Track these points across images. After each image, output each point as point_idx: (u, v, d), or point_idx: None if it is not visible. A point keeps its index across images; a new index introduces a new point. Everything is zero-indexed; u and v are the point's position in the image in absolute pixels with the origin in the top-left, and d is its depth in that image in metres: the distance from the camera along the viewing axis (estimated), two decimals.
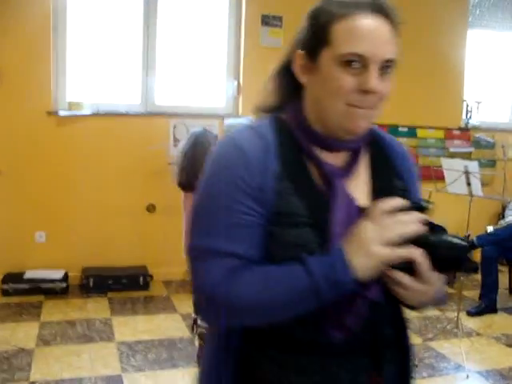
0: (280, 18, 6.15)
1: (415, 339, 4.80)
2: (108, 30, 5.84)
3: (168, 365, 4.15)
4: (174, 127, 5.79)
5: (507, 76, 7.63)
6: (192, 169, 3.90)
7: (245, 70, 6.18)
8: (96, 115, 5.70)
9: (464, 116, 7.24)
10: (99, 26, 5.81)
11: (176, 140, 5.70)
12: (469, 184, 4.53)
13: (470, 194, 4.55)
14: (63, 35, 5.66)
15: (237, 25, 6.18)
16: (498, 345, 4.78)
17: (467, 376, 4.14)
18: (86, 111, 5.64)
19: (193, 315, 4.35)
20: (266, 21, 6.12)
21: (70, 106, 5.59)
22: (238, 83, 6.20)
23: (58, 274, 5.55)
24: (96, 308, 5.24)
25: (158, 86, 6.02)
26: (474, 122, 7.25)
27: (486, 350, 4.66)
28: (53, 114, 5.58)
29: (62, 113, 5.57)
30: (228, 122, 6.03)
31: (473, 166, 4.56)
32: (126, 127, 5.82)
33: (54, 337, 4.53)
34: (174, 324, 4.95)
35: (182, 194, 4.11)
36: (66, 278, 5.57)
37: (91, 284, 5.57)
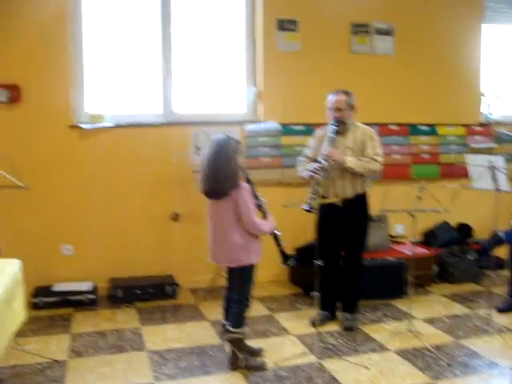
0: (295, 22, 6.16)
1: (446, 338, 4.77)
2: (125, 41, 5.89)
3: (200, 372, 4.15)
4: (195, 135, 5.81)
5: None
6: (216, 176, 3.91)
7: (263, 76, 6.19)
8: (118, 127, 5.75)
9: (484, 111, 7.19)
10: (116, 38, 5.86)
11: (197, 148, 5.72)
12: (495, 179, 4.49)
13: (497, 189, 4.50)
14: (80, 48, 5.72)
15: (253, 30, 6.20)
16: None
17: (502, 373, 4.10)
18: (108, 123, 5.69)
19: (222, 321, 4.36)
20: (282, 25, 6.13)
21: (92, 118, 5.64)
22: (257, 89, 6.22)
23: (86, 286, 5.59)
24: (125, 318, 5.26)
25: (177, 94, 6.05)
26: (494, 116, 7.20)
27: None
28: (75, 127, 5.63)
29: (84, 126, 5.61)
30: (250, 127, 6.07)
31: (498, 160, 4.52)
32: (148, 137, 5.86)
33: (86, 348, 4.55)
34: (203, 331, 4.95)
35: (207, 201, 4.12)
36: (94, 289, 5.60)
37: (119, 295, 5.60)
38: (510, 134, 7.21)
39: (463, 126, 7.01)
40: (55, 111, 5.58)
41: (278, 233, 4.28)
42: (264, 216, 4.18)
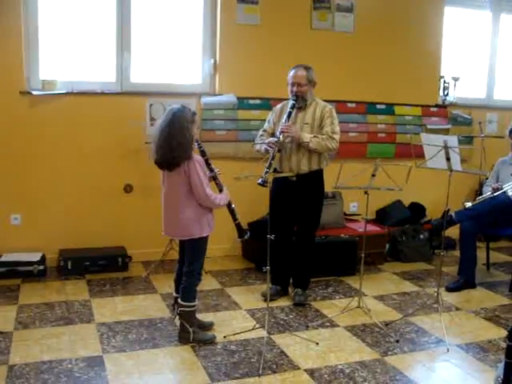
0: None
1: (395, 315, 4.82)
2: (81, 7, 5.71)
3: (149, 345, 4.10)
4: (151, 106, 5.71)
5: (483, 53, 7.65)
6: (169, 145, 3.83)
7: (221, 48, 6.10)
8: (70, 94, 5.59)
9: (441, 93, 7.25)
10: (72, 3, 5.68)
11: (152, 119, 5.62)
12: (448, 159, 4.52)
13: (450, 169, 4.54)
14: (35, 12, 5.51)
15: (213, 2, 6.08)
16: (477, 319, 4.81)
17: (448, 350, 4.16)
18: (61, 90, 5.53)
19: (174, 294, 4.32)
20: None
21: (44, 84, 5.47)
22: (215, 61, 6.13)
23: (35, 257, 5.47)
24: (74, 290, 5.17)
25: (133, 64, 5.92)
26: (451, 98, 7.26)
27: (466, 324, 4.69)
28: (26, 93, 5.46)
29: (35, 92, 5.45)
30: (206, 100, 5.99)
31: (452, 140, 4.54)
32: (102, 106, 5.72)
33: (33, 320, 4.46)
34: (153, 304, 4.90)
35: (160, 172, 4.06)
36: (43, 260, 5.49)
37: (69, 266, 5.50)
38: (465, 115, 7.29)
39: (420, 106, 7.05)
40: (6, 77, 5.40)
41: (233, 206, 4.25)
42: (219, 189, 4.14)
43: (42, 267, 5.42)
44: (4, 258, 5.42)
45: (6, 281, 5.26)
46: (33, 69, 5.56)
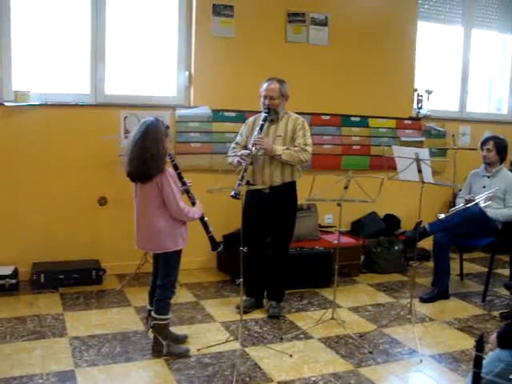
0: (231, 8, 6.10)
1: (369, 326, 4.84)
2: (55, 18, 5.69)
3: (122, 358, 4.07)
4: (125, 118, 5.70)
5: (455, 67, 7.75)
6: (141, 157, 3.83)
7: (196, 61, 6.12)
8: (44, 106, 5.55)
9: (415, 106, 7.32)
10: (47, 14, 5.66)
11: (127, 131, 5.59)
12: (420, 171, 4.57)
13: (422, 181, 4.58)
14: (7, 23, 5.48)
15: (188, 14, 6.10)
16: (451, 329, 4.85)
17: (421, 360, 4.18)
18: (34, 101, 5.49)
19: (148, 307, 4.29)
20: (217, 10, 6.06)
21: (16, 95, 5.42)
22: (190, 74, 6.13)
23: (7, 270, 5.39)
24: (47, 304, 5.12)
25: (108, 76, 5.90)
26: (424, 111, 7.34)
27: (439, 335, 4.72)
28: None
29: (8, 103, 5.41)
30: (181, 112, 5.99)
31: (423, 152, 4.59)
32: (76, 118, 5.69)
33: (4, 334, 4.39)
34: (127, 317, 4.86)
35: (132, 185, 4.05)
36: (15, 274, 5.41)
37: (42, 279, 5.44)
38: (438, 128, 7.37)
39: (394, 119, 7.12)
40: None
41: (206, 219, 4.25)
42: (192, 202, 4.14)
43: (14, 281, 5.34)
44: None
45: None
46: (5, 80, 5.52)
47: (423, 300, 5.49)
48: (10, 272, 5.38)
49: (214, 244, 4.36)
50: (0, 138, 5.47)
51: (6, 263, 5.48)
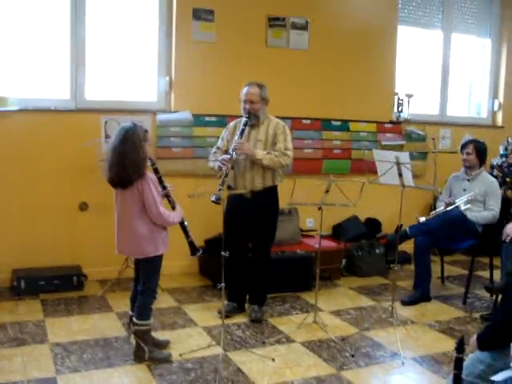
0: (211, 12, 6.11)
1: (351, 329, 4.85)
2: (35, 22, 5.65)
3: (104, 364, 4.05)
4: (106, 123, 5.67)
5: (435, 70, 7.82)
6: (121, 163, 3.82)
7: (177, 66, 6.11)
8: (24, 111, 5.52)
9: (395, 109, 7.37)
10: (25, 18, 5.62)
11: (107, 136, 5.56)
12: (400, 175, 4.60)
13: (402, 185, 4.62)
14: None
15: (168, 19, 6.10)
16: (432, 331, 4.88)
17: (403, 363, 4.21)
18: (13, 107, 5.46)
19: (129, 313, 4.28)
20: (198, 14, 6.07)
21: None
22: (170, 78, 6.13)
23: None
24: (28, 310, 5.07)
25: (88, 81, 5.88)
26: (405, 115, 7.39)
27: (421, 337, 4.75)
28: None
29: None
30: (161, 117, 5.99)
31: (403, 156, 4.63)
32: (56, 123, 5.66)
33: None
34: (109, 323, 4.84)
35: (113, 190, 4.03)
36: None
37: (22, 286, 5.40)
38: (419, 132, 7.42)
39: (375, 122, 7.16)
40: None
41: (186, 223, 4.24)
42: (172, 207, 4.13)
43: None
44: None
45: None
46: None
47: (405, 303, 5.51)
48: None
49: (194, 249, 4.34)
50: None
51: None
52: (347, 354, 4.34)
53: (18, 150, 5.56)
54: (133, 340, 4.21)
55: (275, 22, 6.45)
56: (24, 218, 5.65)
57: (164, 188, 4.07)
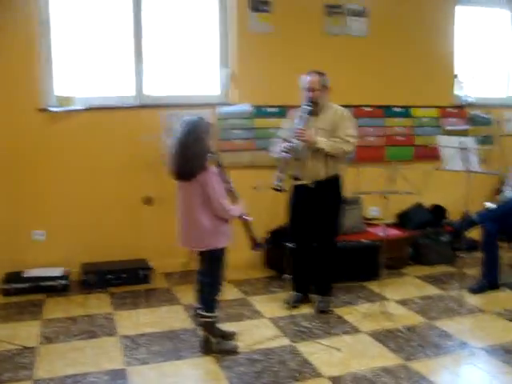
0: (268, 3, 6.09)
1: (418, 319, 4.78)
2: (96, 22, 5.77)
3: (172, 356, 4.12)
4: (168, 118, 5.74)
5: (501, 51, 7.58)
6: (184, 155, 3.86)
7: (235, 58, 6.13)
8: (88, 109, 5.64)
9: (459, 93, 7.19)
10: (87, 18, 5.74)
11: (169, 131, 5.64)
12: (466, 160, 4.50)
13: (468, 170, 4.51)
14: (48, 27, 5.58)
15: (225, 10, 6.12)
16: (501, 320, 4.76)
17: (472, 353, 4.13)
18: (78, 106, 5.59)
19: (195, 305, 4.32)
20: (255, 6, 6.06)
21: (60, 100, 5.52)
22: (230, 71, 6.15)
23: (57, 272, 5.53)
24: (97, 304, 5.21)
25: (150, 77, 5.97)
26: (469, 98, 7.20)
27: (489, 326, 4.64)
28: (44, 110, 5.53)
29: (53, 109, 5.51)
30: (222, 109, 6.01)
31: (469, 141, 4.52)
32: (119, 120, 5.77)
33: (57, 334, 4.50)
34: (176, 315, 4.92)
35: (176, 183, 4.07)
36: (66, 275, 5.54)
37: (91, 280, 5.54)
38: (483, 115, 7.22)
39: (437, 107, 7.01)
40: (22, 94, 5.46)
41: (247, 218, 4.22)
42: (234, 200, 4.14)
43: (65, 282, 5.47)
44: (27, 274, 5.47)
45: (29, 296, 5.31)
46: (48, 85, 5.62)
47: (472, 291, 5.39)
48: (61, 273, 5.52)
49: (255, 243, 4.32)
50: (47, 143, 5.59)
51: (55, 264, 5.61)
52: (414, 344, 4.28)
53: (84, 147, 5.70)
54: (200, 332, 4.26)
55: (333, 9, 6.38)
56: (91, 214, 5.79)
57: (227, 182, 4.08)
